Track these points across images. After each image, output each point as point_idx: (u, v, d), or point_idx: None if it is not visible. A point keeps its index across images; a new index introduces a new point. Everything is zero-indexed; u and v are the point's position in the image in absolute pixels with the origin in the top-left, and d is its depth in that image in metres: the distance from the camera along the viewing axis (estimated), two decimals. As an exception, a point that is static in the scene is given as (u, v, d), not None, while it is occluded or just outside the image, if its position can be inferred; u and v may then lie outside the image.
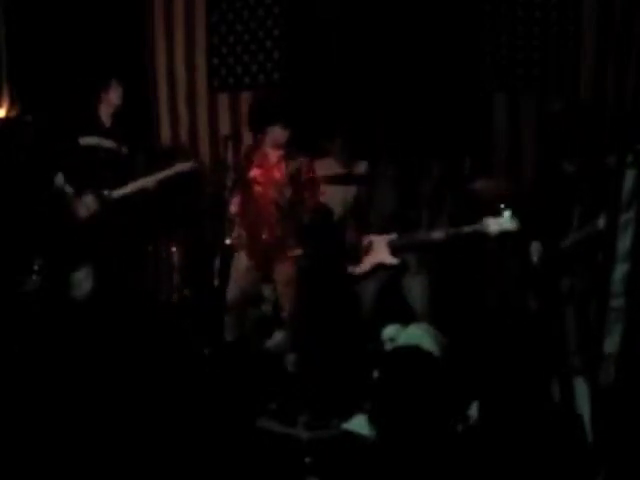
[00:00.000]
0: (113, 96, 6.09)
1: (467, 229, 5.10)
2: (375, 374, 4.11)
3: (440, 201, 5.33)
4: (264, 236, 5.77)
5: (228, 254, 6.10)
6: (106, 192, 5.96)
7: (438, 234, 5.17)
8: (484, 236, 5.01)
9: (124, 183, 6.00)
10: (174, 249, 6.73)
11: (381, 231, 5.41)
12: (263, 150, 5.82)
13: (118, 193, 5.98)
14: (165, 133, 7.71)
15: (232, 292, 5.82)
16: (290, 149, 5.79)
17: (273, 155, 5.80)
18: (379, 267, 5.39)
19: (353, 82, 7.01)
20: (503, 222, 4.95)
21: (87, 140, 6.05)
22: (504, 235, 4.98)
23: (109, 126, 6.12)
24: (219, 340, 5.84)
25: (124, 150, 6.07)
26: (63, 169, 6.02)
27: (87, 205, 5.95)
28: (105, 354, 5.20)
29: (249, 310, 6.10)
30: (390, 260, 5.34)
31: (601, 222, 4.85)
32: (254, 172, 5.78)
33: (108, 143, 6.04)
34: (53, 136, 6.27)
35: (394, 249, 5.33)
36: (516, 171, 6.85)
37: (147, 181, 6.01)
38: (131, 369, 5.10)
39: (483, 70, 6.94)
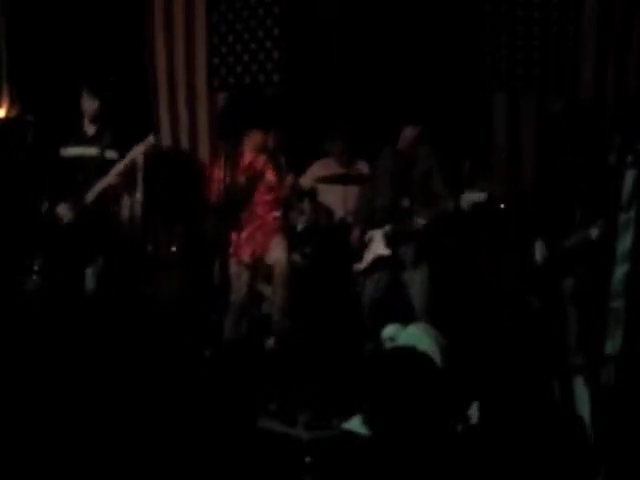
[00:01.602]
0: (85, 105, 6.02)
1: (447, 205, 5.16)
2: (371, 375, 4.10)
3: (431, 189, 5.38)
4: (259, 236, 5.79)
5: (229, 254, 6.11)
6: (77, 199, 5.94)
7: (422, 220, 5.24)
8: (462, 211, 5.10)
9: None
10: (174, 249, 6.72)
11: (379, 224, 5.45)
12: (247, 156, 5.82)
13: (88, 197, 5.94)
14: (165, 133, 7.70)
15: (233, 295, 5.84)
16: (275, 154, 5.81)
17: (258, 159, 5.81)
18: (379, 260, 5.43)
19: (353, 82, 7.00)
20: (473, 196, 5.03)
21: (69, 151, 6.02)
22: (476, 207, 5.05)
23: (92, 133, 6.04)
24: (219, 340, 5.84)
25: (109, 156, 5.97)
26: (44, 184, 6.01)
27: (62, 215, 5.94)
28: (105, 354, 5.20)
29: (249, 310, 6.10)
30: (384, 251, 5.40)
31: (594, 232, 4.90)
32: (242, 178, 5.78)
33: (92, 151, 5.98)
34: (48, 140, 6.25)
35: (387, 240, 5.39)
36: (516, 171, 6.85)
37: (109, 178, 5.93)
38: (131, 369, 5.10)
39: (483, 70, 6.95)
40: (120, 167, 5.91)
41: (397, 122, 5.65)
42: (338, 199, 6.29)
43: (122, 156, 5.92)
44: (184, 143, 7.67)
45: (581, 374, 4.21)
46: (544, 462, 3.24)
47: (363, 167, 6.40)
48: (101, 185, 5.94)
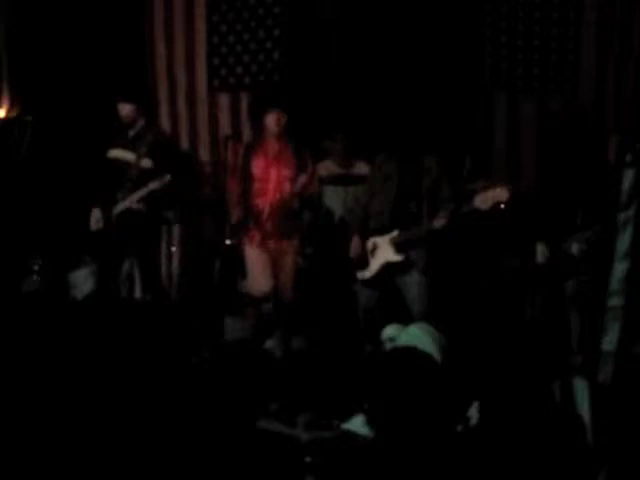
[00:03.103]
0: (121, 113, 5.95)
1: (464, 208, 5.10)
2: (372, 375, 4.10)
3: (439, 194, 5.33)
4: (268, 229, 5.71)
5: (229, 254, 6.10)
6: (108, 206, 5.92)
7: (439, 221, 5.16)
8: (481, 212, 5.04)
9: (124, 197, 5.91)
10: (174, 249, 6.73)
11: (383, 229, 5.40)
12: (265, 144, 5.71)
13: (117, 209, 5.91)
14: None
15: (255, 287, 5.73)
16: (295, 145, 5.70)
17: (274, 148, 5.69)
18: (387, 266, 5.37)
19: (353, 82, 7.01)
20: (494, 194, 4.97)
21: (112, 153, 5.99)
22: (498, 206, 4.99)
23: (132, 136, 5.98)
24: (219, 341, 5.84)
25: (145, 164, 5.90)
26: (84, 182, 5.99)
27: (96, 220, 5.92)
28: (104, 355, 5.20)
29: (249, 310, 6.10)
30: (396, 257, 5.32)
31: (575, 247, 4.89)
32: (255, 167, 5.70)
33: (130, 156, 5.93)
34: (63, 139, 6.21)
35: (398, 245, 5.32)
36: (516, 171, 6.86)
37: (130, 200, 5.89)
38: (130, 370, 5.10)
39: (483, 70, 6.95)
40: (138, 195, 5.85)
41: (397, 122, 5.64)
42: (338, 199, 6.29)
43: (156, 165, 5.87)
44: (184, 143, 7.67)
45: (581, 374, 4.21)
46: (544, 462, 3.24)
47: (362, 167, 6.40)
48: (124, 204, 5.90)
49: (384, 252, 5.38)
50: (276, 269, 5.64)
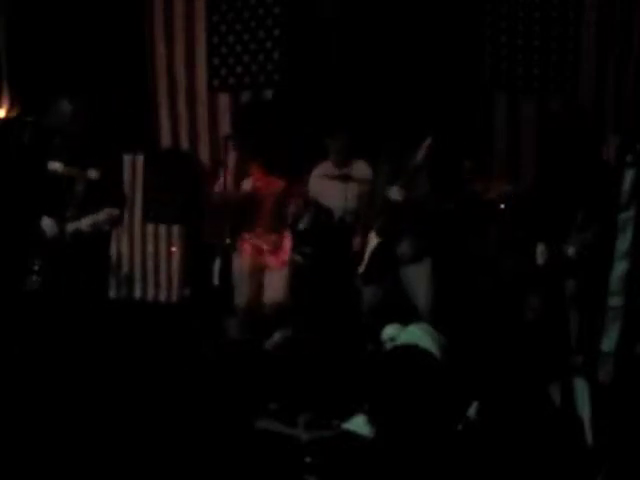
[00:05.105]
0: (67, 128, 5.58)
1: (467, 189, 5.18)
2: (373, 373, 4.10)
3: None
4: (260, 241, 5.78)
5: (228, 255, 6.11)
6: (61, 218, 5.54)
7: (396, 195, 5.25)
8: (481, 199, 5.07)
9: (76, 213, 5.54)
10: (174, 249, 6.73)
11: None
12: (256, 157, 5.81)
13: (70, 228, 5.52)
14: (165, 133, 7.70)
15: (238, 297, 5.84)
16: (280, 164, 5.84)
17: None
18: (374, 256, 5.43)
19: (353, 82, 7.01)
20: (495, 185, 5.04)
21: (52, 165, 5.56)
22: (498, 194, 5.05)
23: (74, 149, 5.57)
24: (219, 340, 5.84)
25: (92, 175, 5.53)
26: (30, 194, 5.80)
27: (47, 229, 5.51)
28: (105, 354, 5.20)
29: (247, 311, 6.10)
30: (374, 240, 5.42)
31: (571, 250, 4.90)
32: (250, 180, 5.77)
33: (68, 170, 5.51)
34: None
35: (379, 230, 5.39)
36: (516, 171, 6.85)
37: (81, 224, 5.49)
38: (131, 369, 5.10)
39: (483, 70, 6.95)
40: (92, 220, 5.46)
41: (397, 122, 5.65)
42: (338, 199, 6.29)
43: (103, 175, 5.52)
44: (184, 143, 7.67)
45: (581, 374, 4.21)
46: (544, 462, 3.24)
47: (362, 167, 6.40)
48: (73, 226, 5.49)
49: (372, 242, 5.45)
50: (264, 281, 5.78)
